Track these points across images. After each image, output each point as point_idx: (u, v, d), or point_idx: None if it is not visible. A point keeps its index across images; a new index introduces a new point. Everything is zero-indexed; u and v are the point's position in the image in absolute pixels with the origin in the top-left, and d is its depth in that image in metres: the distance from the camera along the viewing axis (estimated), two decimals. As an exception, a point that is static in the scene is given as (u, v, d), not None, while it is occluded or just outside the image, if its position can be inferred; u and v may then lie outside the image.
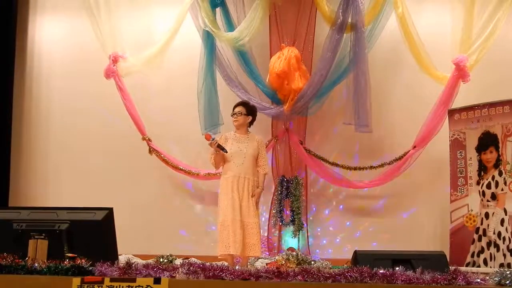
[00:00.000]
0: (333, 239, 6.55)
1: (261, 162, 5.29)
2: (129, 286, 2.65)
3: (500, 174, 5.39)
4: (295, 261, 5.45)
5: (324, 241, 6.56)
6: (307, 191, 6.49)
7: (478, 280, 2.80)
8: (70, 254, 2.97)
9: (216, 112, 6.27)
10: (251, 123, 5.39)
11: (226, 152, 5.14)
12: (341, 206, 6.61)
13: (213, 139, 5.14)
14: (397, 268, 2.84)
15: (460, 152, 5.74)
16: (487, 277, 2.89)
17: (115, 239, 3.36)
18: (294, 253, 5.66)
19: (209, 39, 6.37)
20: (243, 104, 5.41)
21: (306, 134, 6.52)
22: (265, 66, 6.37)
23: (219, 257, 5.08)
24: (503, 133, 5.43)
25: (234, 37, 6.23)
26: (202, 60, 6.40)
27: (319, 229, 6.58)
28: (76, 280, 2.68)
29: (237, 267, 4.93)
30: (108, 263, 2.89)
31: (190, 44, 6.65)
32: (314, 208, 6.59)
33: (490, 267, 5.13)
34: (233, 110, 5.35)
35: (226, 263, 4.06)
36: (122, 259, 3.10)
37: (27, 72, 7.25)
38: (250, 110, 5.37)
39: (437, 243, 6.14)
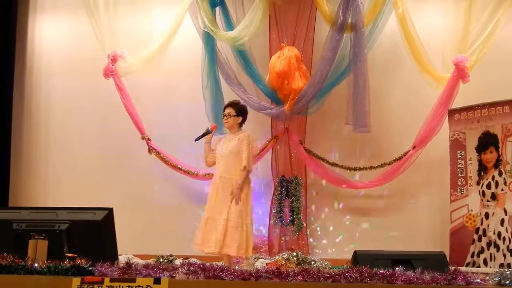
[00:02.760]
0: (333, 239, 6.55)
1: (242, 157, 5.17)
2: (129, 286, 2.65)
3: (500, 174, 5.39)
4: (295, 261, 5.46)
5: (324, 241, 6.56)
6: (307, 191, 6.49)
7: (478, 280, 2.80)
8: (70, 254, 2.97)
9: (222, 111, 6.25)
10: (242, 122, 5.36)
11: (209, 132, 5.35)
12: (341, 206, 6.60)
13: (209, 131, 5.33)
14: (397, 268, 2.84)
15: (460, 152, 5.74)
16: (487, 277, 2.89)
17: (115, 239, 3.36)
18: (294, 253, 5.67)
19: (209, 38, 6.38)
20: (232, 105, 5.39)
21: (306, 134, 6.52)
22: (265, 66, 6.37)
23: (192, 246, 5.18)
24: (503, 133, 5.43)
25: (233, 37, 6.23)
26: (204, 59, 6.40)
27: (319, 229, 6.58)
28: (76, 280, 2.68)
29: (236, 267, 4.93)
30: (108, 263, 2.89)
31: (190, 43, 6.66)
32: (314, 208, 6.59)
33: (490, 267, 5.13)
34: (223, 111, 5.36)
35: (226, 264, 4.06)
36: (122, 259, 3.10)
37: (27, 72, 7.25)
38: (240, 111, 5.34)
39: (437, 243, 6.14)
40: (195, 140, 5.37)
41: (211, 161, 5.38)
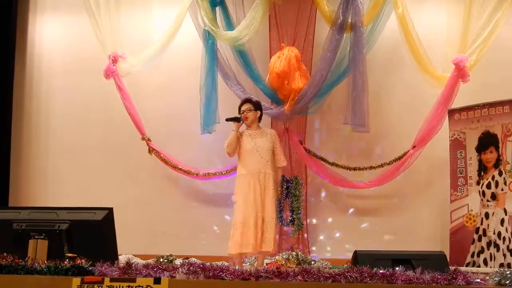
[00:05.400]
0: (333, 239, 6.55)
1: (277, 155, 5.27)
2: (129, 286, 2.65)
3: (500, 174, 5.39)
4: (295, 261, 5.45)
5: (324, 241, 6.55)
6: (307, 191, 6.49)
7: (478, 280, 2.80)
8: (70, 254, 2.97)
9: (214, 111, 6.28)
10: (260, 117, 5.39)
11: (240, 120, 5.21)
12: (341, 206, 6.60)
13: (240, 119, 5.22)
14: (397, 268, 2.84)
15: (460, 152, 5.74)
16: (487, 277, 2.89)
17: (115, 239, 3.37)
18: (294, 253, 5.67)
19: (209, 38, 6.37)
20: (249, 100, 5.42)
21: (306, 134, 6.52)
22: (265, 66, 6.36)
23: (228, 254, 5.05)
24: (503, 133, 5.43)
25: (233, 37, 6.23)
26: (204, 59, 6.40)
27: (319, 229, 6.58)
28: (76, 280, 2.68)
29: (247, 265, 4.92)
30: (108, 263, 2.89)
31: (191, 43, 6.65)
32: (314, 208, 6.59)
33: (490, 267, 5.13)
34: (240, 108, 5.34)
35: (226, 263, 4.05)
36: (122, 259, 3.10)
37: (27, 72, 7.24)
38: (257, 105, 5.39)
39: (437, 243, 6.14)
40: (226, 120, 5.33)
41: (235, 152, 5.29)
